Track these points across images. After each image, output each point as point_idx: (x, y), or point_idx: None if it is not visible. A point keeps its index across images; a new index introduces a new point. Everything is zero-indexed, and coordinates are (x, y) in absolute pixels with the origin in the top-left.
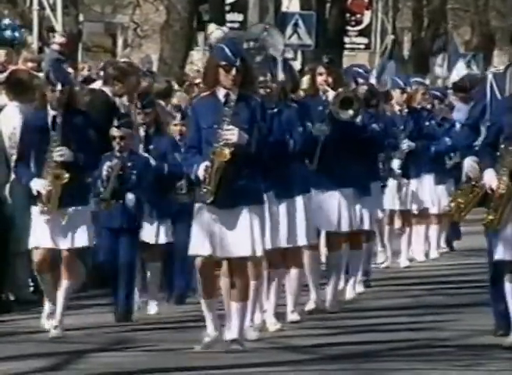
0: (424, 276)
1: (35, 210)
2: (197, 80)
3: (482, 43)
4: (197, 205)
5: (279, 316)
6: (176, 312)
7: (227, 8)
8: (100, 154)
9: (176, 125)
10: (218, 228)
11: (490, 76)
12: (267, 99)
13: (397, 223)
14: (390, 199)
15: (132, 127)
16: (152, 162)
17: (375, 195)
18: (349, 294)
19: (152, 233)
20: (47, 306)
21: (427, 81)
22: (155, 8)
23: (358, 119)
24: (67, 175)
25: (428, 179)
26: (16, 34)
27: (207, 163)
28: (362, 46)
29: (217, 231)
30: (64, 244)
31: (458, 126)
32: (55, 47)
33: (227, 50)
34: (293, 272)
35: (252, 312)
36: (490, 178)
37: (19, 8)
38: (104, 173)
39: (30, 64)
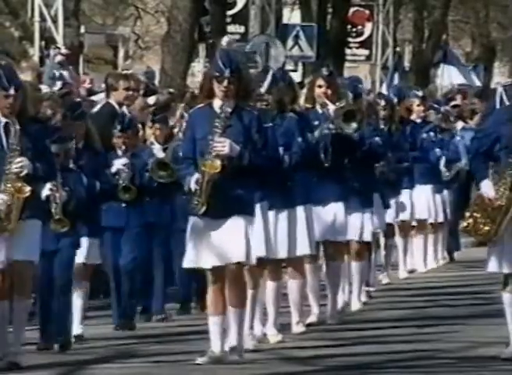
0: (425, 288)
1: None
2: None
3: (483, 54)
4: (191, 219)
5: (284, 326)
6: (175, 325)
7: (228, 19)
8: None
9: (118, 137)
10: (212, 238)
11: (500, 89)
12: (264, 112)
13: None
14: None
15: (67, 142)
16: (84, 178)
17: (376, 207)
18: (354, 305)
19: (81, 253)
20: None
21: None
22: (156, 20)
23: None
24: (29, 188)
25: (424, 190)
26: None
27: (198, 175)
28: (363, 58)
29: (211, 241)
30: (18, 256)
31: (458, 138)
32: (59, 58)
33: (219, 61)
34: (296, 283)
35: (250, 320)
36: (488, 188)
37: (20, 19)
38: (48, 192)
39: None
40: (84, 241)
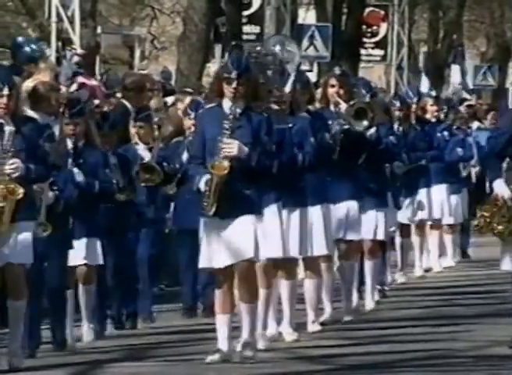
0: (439, 287)
1: None
2: None
3: (498, 54)
4: (202, 220)
5: (299, 325)
6: (187, 324)
7: (244, 20)
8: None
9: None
10: (222, 238)
11: None
12: (280, 114)
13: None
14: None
15: (55, 140)
16: (80, 178)
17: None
18: (368, 304)
19: (82, 254)
20: None
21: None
22: (172, 21)
23: (373, 130)
24: (22, 190)
25: (439, 189)
26: (34, 46)
27: (207, 177)
28: (378, 58)
29: (221, 241)
30: (11, 258)
31: (472, 137)
32: (76, 59)
33: (229, 63)
34: (312, 282)
35: (263, 320)
36: (501, 188)
37: (37, 20)
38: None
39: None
40: (84, 242)
